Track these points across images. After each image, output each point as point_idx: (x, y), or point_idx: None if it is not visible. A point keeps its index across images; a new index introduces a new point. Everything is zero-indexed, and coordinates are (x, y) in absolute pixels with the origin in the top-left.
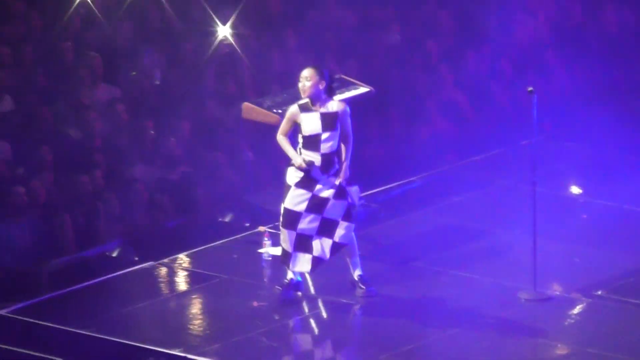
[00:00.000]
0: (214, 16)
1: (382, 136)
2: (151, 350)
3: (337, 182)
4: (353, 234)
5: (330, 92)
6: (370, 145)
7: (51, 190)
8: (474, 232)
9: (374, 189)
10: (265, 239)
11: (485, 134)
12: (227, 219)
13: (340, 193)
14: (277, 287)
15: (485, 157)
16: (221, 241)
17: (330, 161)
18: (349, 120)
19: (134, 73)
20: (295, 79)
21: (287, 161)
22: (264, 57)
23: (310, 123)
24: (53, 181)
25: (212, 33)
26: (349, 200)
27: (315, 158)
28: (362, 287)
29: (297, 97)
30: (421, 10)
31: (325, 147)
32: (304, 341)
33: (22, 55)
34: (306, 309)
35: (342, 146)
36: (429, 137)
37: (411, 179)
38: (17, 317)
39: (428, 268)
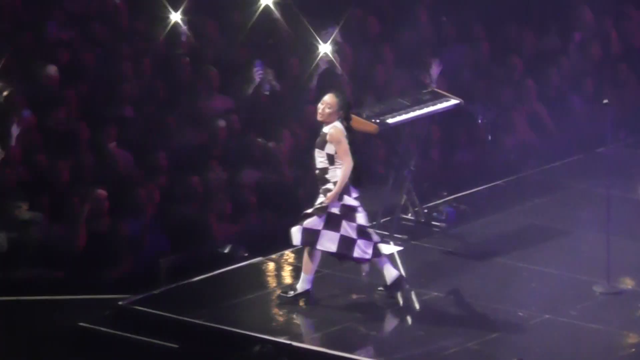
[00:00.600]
0: (315, 35)
1: (469, 144)
2: (259, 337)
3: (319, 202)
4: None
5: (346, 119)
6: (459, 152)
7: (165, 191)
8: (552, 231)
9: (462, 192)
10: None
11: (564, 143)
12: None
13: (330, 220)
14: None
15: (563, 164)
16: None
17: (321, 178)
18: (339, 144)
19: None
20: (391, 91)
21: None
22: (363, 71)
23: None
24: (167, 183)
25: (314, 49)
26: (341, 232)
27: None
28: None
29: (393, 109)
30: (506, 28)
31: (316, 163)
32: (398, 330)
33: (143, 68)
34: (400, 301)
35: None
36: (513, 145)
37: (496, 182)
38: (136, 307)
39: (511, 263)
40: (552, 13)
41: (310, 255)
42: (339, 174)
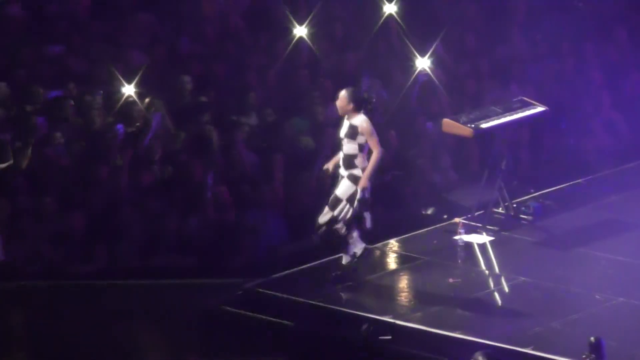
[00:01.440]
0: (414, 50)
1: (555, 146)
2: (366, 317)
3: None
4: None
5: (358, 109)
6: (545, 153)
7: (285, 188)
8: (627, 224)
9: (547, 189)
10: (460, 228)
11: (638, 146)
12: (429, 212)
13: (350, 199)
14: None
15: (637, 165)
16: (424, 230)
17: (348, 162)
18: (371, 136)
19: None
20: (485, 100)
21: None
22: (459, 83)
23: (341, 129)
24: (285, 182)
25: (413, 63)
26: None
27: (340, 156)
28: None
29: (487, 115)
30: (590, 44)
31: (345, 149)
32: (490, 311)
33: (266, 80)
34: (491, 285)
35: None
36: (592, 148)
37: (577, 181)
38: (259, 289)
39: (590, 253)
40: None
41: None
42: (366, 162)
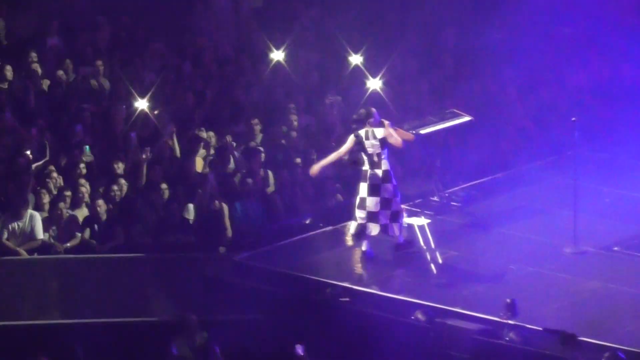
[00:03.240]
0: (367, 74)
1: (480, 146)
2: (329, 282)
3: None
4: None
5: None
6: (472, 153)
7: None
8: (537, 209)
9: (474, 181)
10: (404, 213)
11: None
12: None
13: None
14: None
15: (545, 162)
16: None
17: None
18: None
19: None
20: (424, 112)
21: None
22: (402, 98)
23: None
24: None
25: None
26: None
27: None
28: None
29: (425, 123)
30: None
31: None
32: (427, 278)
33: (251, 94)
34: (428, 257)
35: None
36: (509, 149)
37: (498, 175)
38: (247, 262)
39: (507, 232)
40: None
41: None
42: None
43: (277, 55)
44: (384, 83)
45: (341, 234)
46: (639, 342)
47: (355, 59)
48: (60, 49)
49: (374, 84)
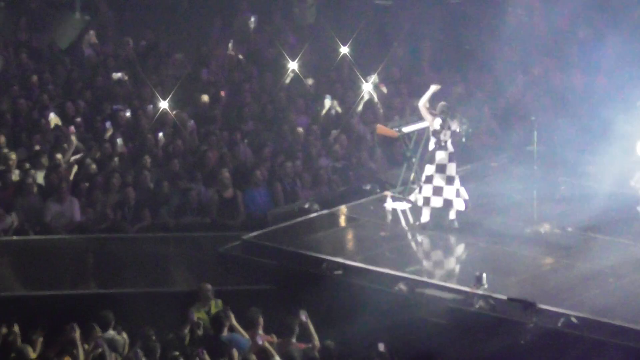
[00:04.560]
0: (361, 78)
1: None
2: (325, 258)
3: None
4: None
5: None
6: None
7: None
8: (500, 195)
9: None
10: (389, 199)
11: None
12: (367, 187)
13: None
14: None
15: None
16: (364, 199)
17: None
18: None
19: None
20: (405, 113)
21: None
22: (388, 100)
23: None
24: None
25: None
26: None
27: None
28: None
29: (407, 122)
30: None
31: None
32: (408, 254)
33: (259, 98)
34: (409, 237)
35: None
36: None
37: (467, 166)
38: (253, 240)
39: (474, 215)
40: None
41: None
42: None
43: (293, 66)
44: (374, 87)
45: (336, 216)
46: (589, 309)
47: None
48: (94, 59)
49: (366, 87)
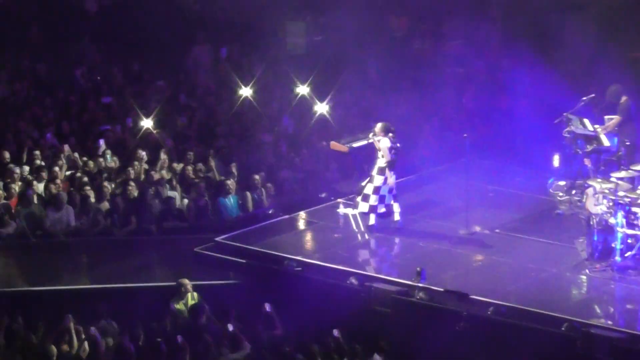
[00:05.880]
0: (317, 100)
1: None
2: (287, 256)
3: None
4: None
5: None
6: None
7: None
8: (438, 202)
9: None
10: (341, 205)
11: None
12: (323, 195)
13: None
14: None
15: (446, 167)
16: (320, 206)
17: None
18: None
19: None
20: (355, 130)
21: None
22: (342, 119)
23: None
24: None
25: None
26: None
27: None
28: None
29: (357, 139)
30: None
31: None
32: (361, 254)
33: (228, 118)
34: (359, 238)
35: None
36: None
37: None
38: (225, 241)
39: (421, 218)
40: None
41: None
42: None
43: (246, 92)
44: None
45: (295, 221)
46: (515, 299)
47: (303, 89)
48: (85, 85)
49: (321, 107)
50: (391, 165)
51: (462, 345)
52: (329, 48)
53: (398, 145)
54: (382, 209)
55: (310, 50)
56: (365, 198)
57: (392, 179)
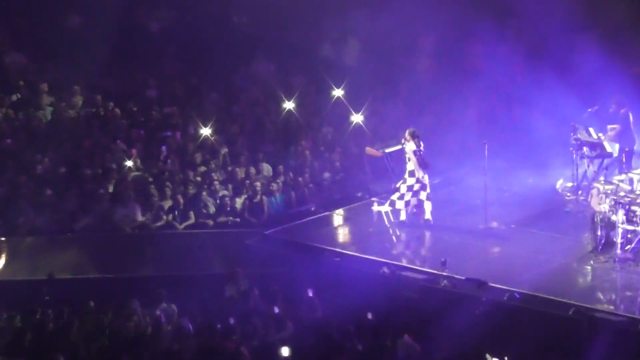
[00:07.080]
0: (352, 110)
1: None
2: (326, 248)
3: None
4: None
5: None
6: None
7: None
8: (459, 200)
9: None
10: (375, 203)
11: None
12: (359, 195)
13: None
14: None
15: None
16: (357, 204)
17: None
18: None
19: None
20: (386, 137)
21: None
22: (375, 127)
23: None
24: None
25: (350, 117)
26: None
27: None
28: None
29: (388, 145)
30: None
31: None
32: (393, 244)
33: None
34: (391, 232)
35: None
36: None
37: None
38: (270, 234)
39: (441, 217)
40: None
41: None
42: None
43: (289, 105)
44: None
45: (334, 217)
46: (529, 286)
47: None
48: (153, 99)
49: (356, 117)
50: (425, 166)
51: (481, 326)
52: (367, 65)
53: (422, 148)
54: (400, 205)
55: (352, 65)
56: (399, 197)
57: (426, 179)
